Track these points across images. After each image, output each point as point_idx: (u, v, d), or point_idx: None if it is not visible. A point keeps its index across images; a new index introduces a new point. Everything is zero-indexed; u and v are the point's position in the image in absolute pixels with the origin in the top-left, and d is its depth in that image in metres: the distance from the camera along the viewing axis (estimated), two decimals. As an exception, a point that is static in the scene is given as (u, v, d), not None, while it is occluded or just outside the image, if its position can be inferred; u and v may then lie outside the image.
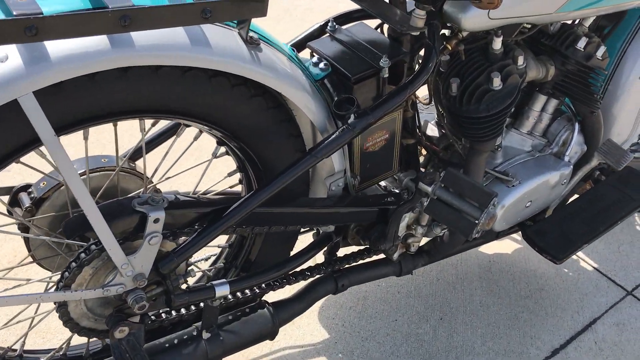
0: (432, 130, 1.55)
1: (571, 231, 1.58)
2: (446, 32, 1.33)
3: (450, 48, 1.30)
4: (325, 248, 1.42)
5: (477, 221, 1.20)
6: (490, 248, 1.97)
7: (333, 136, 1.15)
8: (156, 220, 1.00)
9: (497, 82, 1.33)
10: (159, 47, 0.88)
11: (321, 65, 1.23)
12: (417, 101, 1.47)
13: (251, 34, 1.03)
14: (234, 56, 0.97)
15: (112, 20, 0.78)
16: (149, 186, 1.18)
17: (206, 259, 1.45)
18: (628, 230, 2.07)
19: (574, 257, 1.99)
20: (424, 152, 1.60)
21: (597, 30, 1.67)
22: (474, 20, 1.23)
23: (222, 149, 1.23)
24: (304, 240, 1.50)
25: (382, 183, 1.50)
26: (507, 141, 1.58)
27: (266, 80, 1.04)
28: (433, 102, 1.48)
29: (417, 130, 1.46)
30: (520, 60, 1.35)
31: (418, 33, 1.20)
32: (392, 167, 1.39)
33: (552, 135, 1.64)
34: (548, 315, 1.76)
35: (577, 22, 1.51)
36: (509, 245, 1.98)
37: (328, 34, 1.31)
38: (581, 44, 1.45)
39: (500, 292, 1.83)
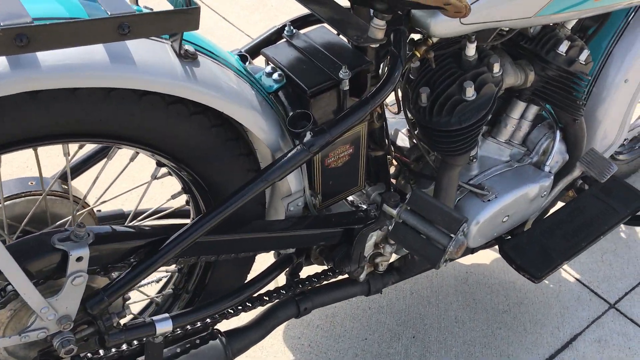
0: (403, 141, 1.43)
1: (551, 247, 1.48)
2: (416, 36, 1.22)
3: (419, 55, 1.19)
4: (287, 269, 1.31)
5: (444, 249, 1.09)
6: (468, 258, 1.87)
7: (287, 157, 1.03)
8: (79, 259, 0.88)
9: (470, 92, 1.21)
10: (69, 67, 0.75)
11: (275, 75, 1.11)
12: (386, 110, 1.35)
13: (187, 46, 0.91)
14: (163, 73, 0.84)
15: (3, 40, 0.66)
16: (82, 211, 1.06)
17: (157, 281, 1.34)
18: (612, 238, 1.97)
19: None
20: (395, 162, 1.49)
21: (581, 32, 1.56)
22: (443, 25, 1.11)
23: (164, 170, 1.11)
24: (263, 260, 1.39)
25: (349, 197, 1.39)
26: (483, 151, 1.47)
27: (203, 98, 0.92)
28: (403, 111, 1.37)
29: (386, 140, 1.35)
30: (496, 68, 1.24)
31: (377, 45, 1.08)
32: (357, 182, 1.28)
33: (532, 143, 1.53)
34: (527, 332, 1.67)
35: (559, 24, 1.40)
36: (487, 255, 1.88)
37: (285, 40, 1.19)
38: (563, 47, 1.33)
39: (477, 306, 1.74)
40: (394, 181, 1.51)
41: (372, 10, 1.07)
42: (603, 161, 1.46)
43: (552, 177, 1.50)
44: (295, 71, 1.10)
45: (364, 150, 1.23)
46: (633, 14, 1.57)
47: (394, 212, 1.15)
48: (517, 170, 1.48)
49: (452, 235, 1.08)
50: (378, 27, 1.01)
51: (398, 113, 1.36)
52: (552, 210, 1.64)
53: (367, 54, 1.15)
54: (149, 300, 1.30)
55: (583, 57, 1.37)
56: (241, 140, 1.07)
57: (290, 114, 1.07)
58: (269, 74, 1.11)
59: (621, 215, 1.55)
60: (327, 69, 1.09)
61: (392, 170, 1.49)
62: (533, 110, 1.47)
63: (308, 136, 1.04)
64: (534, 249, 1.48)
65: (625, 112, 1.70)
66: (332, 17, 1.07)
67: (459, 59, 1.24)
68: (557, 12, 1.20)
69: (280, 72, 1.11)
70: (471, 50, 1.21)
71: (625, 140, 2.15)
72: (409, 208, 1.13)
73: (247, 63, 1.17)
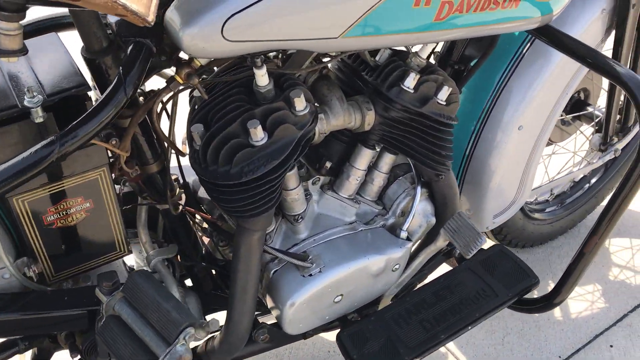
0: (204, 191, 1.11)
1: (401, 338, 1.15)
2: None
3: (180, 80, 0.87)
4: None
5: (158, 360, 0.76)
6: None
7: None
8: None
9: (257, 135, 0.89)
10: None
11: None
12: (170, 150, 1.03)
13: None
14: None
15: None
16: None
17: None
18: (520, 315, 1.64)
19: (443, 349, 1.56)
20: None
21: (461, 62, 1.24)
22: (197, 42, 0.80)
23: None
24: None
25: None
26: (321, 207, 1.15)
27: None
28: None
29: (171, 189, 1.03)
30: (299, 104, 0.91)
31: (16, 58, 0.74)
32: (115, 247, 0.96)
33: (390, 201, 1.21)
34: None
35: (409, 51, 1.08)
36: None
37: None
38: (409, 82, 1.02)
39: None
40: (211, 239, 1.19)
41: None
42: (470, 231, 1.13)
43: (410, 245, 1.18)
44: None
45: (114, 204, 0.90)
46: (528, 44, 1.26)
47: (105, 299, 0.82)
48: (361, 236, 1.15)
49: (169, 342, 0.75)
50: (6, 34, 0.69)
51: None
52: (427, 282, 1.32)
53: (103, 73, 0.83)
54: None
55: (442, 95, 1.05)
56: None
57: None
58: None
59: (500, 299, 1.21)
60: (21, 93, 0.77)
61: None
62: (387, 159, 1.15)
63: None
64: (378, 339, 1.14)
65: (526, 165, 1.38)
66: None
67: (251, 90, 0.92)
68: (376, 33, 0.88)
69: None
70: (262, 79, 0.89)
71: (549, 196, 1.83)
72: (125, 297, 0.80)
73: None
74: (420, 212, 1.20)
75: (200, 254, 1.17)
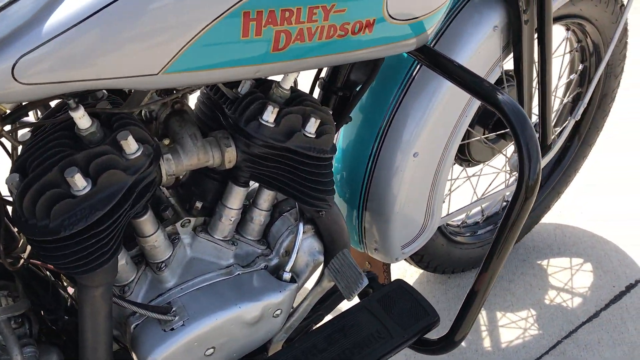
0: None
1: (282, 391, 1.06)
2: None
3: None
4: None
5: None
6: None
7: None
8: None
9: (77, 184, 0.80)
10: None
11: None
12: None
13: None
14: None
15: None
16: None
17: None
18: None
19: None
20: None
21: (346, 88, 1.16)
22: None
23: None
24: None
25: None
26: (195, 251, 1.06)
27: None
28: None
29: (16, 240, 0.94)
30: (129, 147, 0.83)
31: None
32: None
33: (274, 239, 1.12)
34: None
35: (272, 81, 1.00)
36: None
37: None
38: (267, 115, 0.94)
39: None
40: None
41: None
42: (352, 271, 1.05)
43: (296, 287, 1.09)
44: None
45: None
46: (418, 66, 1.18)
47: None
48: (236, 281, 1.06)
49: None
50: None
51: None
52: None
53: None
54: None
55: (310, 127, 0.97)
56: None
57: None
58: None
59: (396, 342, 1.12)
60: None
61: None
62: (266, 195, 1.06)
63: None
64: (256, 392, 1.06)
65: (431, 191, 1.30)
66: None
67: (74, 133, 0.84)
68: (203, 68, 0.80)
69: None
70: (81, 121, 0.81)
71: (480, 217, 1.75)
72: None
73: None
74: (306, 250, 1.12)
75: (65, 305, 1.08)
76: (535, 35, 1.22)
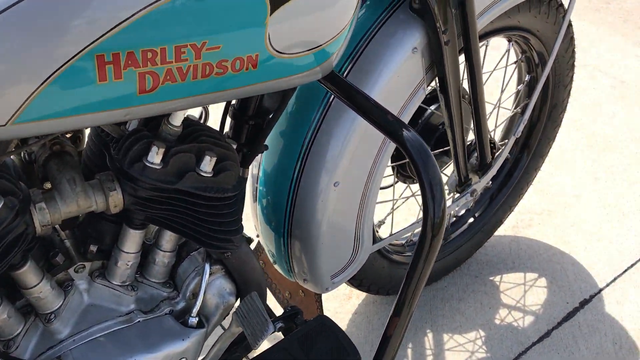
0: None
1: None
2: None
3: None
4: None
5: None
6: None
7: None
8: None
9: None
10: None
11: None
12: None
13: None
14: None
15: None
16: None
17: None
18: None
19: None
20: None
21: (257, 116, 1.09)
22: None
23: None
24: None
25: None
26: (92, 297, 0.99)
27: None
28: None
29: None
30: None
31: None
32: None
33: (181, 280, 1.05)
34: None
35: (161, 119, 0.92)
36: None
37: None
38: (153, 157, 0.86)
39: None
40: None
41: None
42: (258, 317, 0.98)
43: (203, 332, 1.03)
44: None
45: None
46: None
47: None
48: (135, 329, 0.99)
49: None
50: None
51: None
52: None
53: None
54: None
55: (206, 166, 0.90)
56: None
57: None
58: None
59: (313, 385, 1.06)
60: None
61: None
62: (168, 236, 1.00)
63: None
64: None
65: (358, 220, 1.23)
66: None
67: None
68: (58, 116, 0.72)
69: None
70: None
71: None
72: None
73: None
74: (216, 292, 1.05)
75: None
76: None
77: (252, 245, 1.43)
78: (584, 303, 1.68)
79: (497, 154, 1.44)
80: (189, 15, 0.72)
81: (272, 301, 1.56)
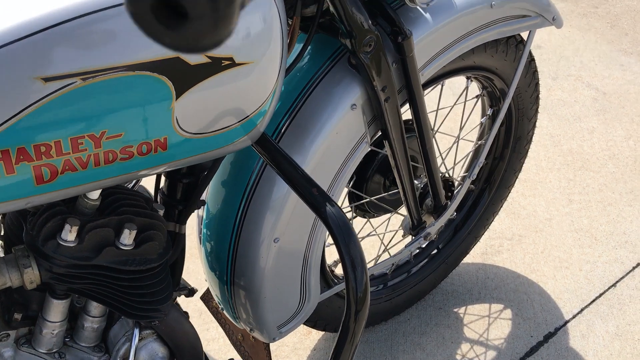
0: None
1: None
2: None
3: None
4: None
5: None
6: None
7: None
8: None
9: None
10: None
11: None
12: None
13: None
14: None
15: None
16: None
17: None
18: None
19: None
20: None
21: (191, 174, 1.06)
22: None
23: None
24: None
25: None
26: (18, 365, 0.97)
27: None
28: None
29: None
30: None
31: None
32: None
33: (112, 344, 1.03)
34: None
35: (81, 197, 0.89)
36: None
37: None
38: (66, 234, 0.84)
39: None
40: None
41: None
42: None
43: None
44: None
45: None
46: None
47: None
48: (60, 399, 0.97)
49: None
50: None
51: None
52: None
53: None
54: None
55: (126, 239, 0.87)
56: None
57: None
58: None
59: None
60: None
61: None
62: (95, 303, 0.97)
63: None
64: None
65: (303, 272, 1.21)
66: None
67: None
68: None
69: None
70: None
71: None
72: None
73: None
74: (147, 357, 1.03)
75: None
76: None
77: (202, 291, 1.41)
78: (549, 337, 1.65)
79: (455, 193, 1.41)
80: (83, 107, 0.69)
81: (226, 341, 1.54)
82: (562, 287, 1.78)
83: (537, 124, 2.39)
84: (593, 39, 2.93)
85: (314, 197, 0.86)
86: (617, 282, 1.81)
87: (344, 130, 1.06)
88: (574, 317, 1.71)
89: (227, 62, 0.75)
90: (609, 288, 1.79)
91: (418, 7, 0.99)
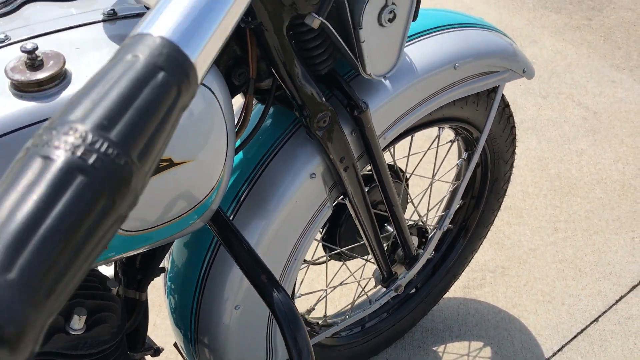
0: None
1: None
2: None
3: None
4: None
5: None
6: None
7: None
8: None
9: None
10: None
11: None
12: None
13: None
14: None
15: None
16: None
17: None
18: None
19: None
20: None
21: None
22: None
23: None
24: None
25: None
26: None
27: None
28: None
29: None
30: None
31: None
32: None
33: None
34: None
35: None
36: None
37: None
38: None
39: None
40: None
41: None
42: None
43: None
44: None
45: None
46: (232, 216, 1.07)
47: None
48: None
49: None
50: None
51: None
52: None
53: None
54: None
55: (76, 324, 0.87)
56: None
57: None
58: None
59: None
60: None
61: None
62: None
63: None
64: None
65: (268, 334, 1.21)
66: None
67: None
68: None
69: None
70: None
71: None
72: None
73: None
74: None
75: None
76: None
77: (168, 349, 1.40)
78: (528, 376, 1.65)
79: (428, 239, 1.40)
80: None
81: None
82: (543, 323, 1.77)
83: (526, 146, 2.38)
84: (586, 53, 2.90)
85: (263, 284, 0.86)
86: (599, 316, 1.79)
87: (303, 199, 1.05)
88: (554, 354, 1.70)
89: (165, 164, 0.74)
90: (591, 323, 1.78)
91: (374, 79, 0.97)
